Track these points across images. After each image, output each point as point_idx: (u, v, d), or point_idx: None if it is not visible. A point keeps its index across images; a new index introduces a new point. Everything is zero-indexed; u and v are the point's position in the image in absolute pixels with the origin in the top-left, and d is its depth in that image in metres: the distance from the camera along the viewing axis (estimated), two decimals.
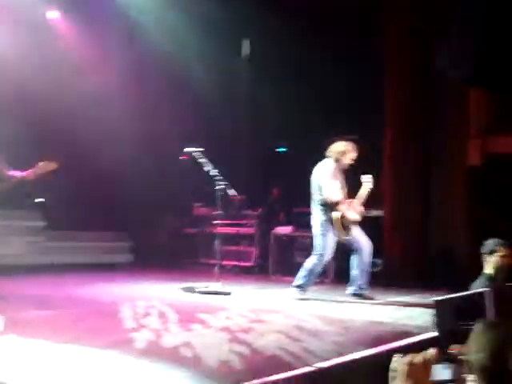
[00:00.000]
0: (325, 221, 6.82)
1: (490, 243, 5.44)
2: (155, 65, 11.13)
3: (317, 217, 6.92)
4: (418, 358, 1.45)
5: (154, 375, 3.44)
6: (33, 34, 10.01)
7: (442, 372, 1.43)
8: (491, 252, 5.36)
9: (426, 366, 1.42)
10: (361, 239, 6.93)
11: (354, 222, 6.90)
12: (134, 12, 10.75)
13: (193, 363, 3.66)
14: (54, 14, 11.21)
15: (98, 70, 10.50)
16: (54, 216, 10.09)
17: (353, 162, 7.02)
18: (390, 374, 1.49)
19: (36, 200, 7.62)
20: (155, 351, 3.98)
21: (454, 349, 1.47)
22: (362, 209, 7.01)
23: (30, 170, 6.11)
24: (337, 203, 6.78)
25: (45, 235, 10.00)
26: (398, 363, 1.49)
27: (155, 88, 11.01)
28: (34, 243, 9.83)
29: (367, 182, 7.05)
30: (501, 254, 5.30)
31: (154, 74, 11.12)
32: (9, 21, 9.70)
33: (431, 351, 1.47)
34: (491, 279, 5.18)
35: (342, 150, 6.97)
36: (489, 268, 5.33)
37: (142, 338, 4.33)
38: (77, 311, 5.72)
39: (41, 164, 6.10)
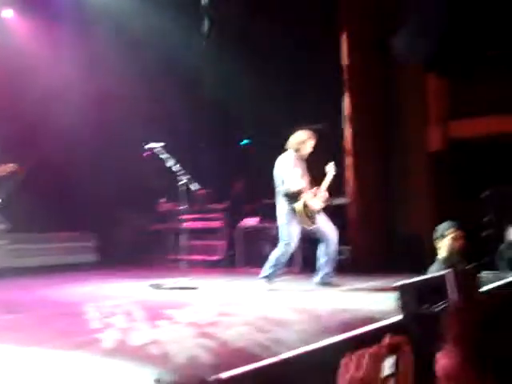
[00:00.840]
0: (289, 210, 6.85)
1: (440, 227, 5.53)
2: (113, 54, 10.94)
3: (281, 207, 6.95)
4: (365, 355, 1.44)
5: (122, 374, 3.41)
6: None
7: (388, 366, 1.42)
8: (442, 236, 5.46)
9: (376, 361, 1.41)
10: (326, 228, 6.97)
11: (319, 211, 6.94)
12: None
13: (160, 360, 3.64)
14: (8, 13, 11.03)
15: (54, 65, 10.34)
16: (16, 218, 9.91)
17: (312, 150, 7.05)
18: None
19: None
20: (122, 350, 3.94)
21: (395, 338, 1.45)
22: (326, 196, 7.05)
23: None
24: (299, 192, 6.81)
25: (7, 238, 9.82)
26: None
27: (114, 79, 10.84)
28: None
29: (330, 169, 7.11)
30: (452, 236, 5.39)
31: (113, 65, 10.93)
32: None
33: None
34: (445, 262, 5.27)
35: (302, 140, 7.00)
36: (442, 252, 5.42)
37: (108, 338, 4.28)
38: (42, 314, 5.64)
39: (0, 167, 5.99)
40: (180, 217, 8.26)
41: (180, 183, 7.52)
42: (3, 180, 6.31)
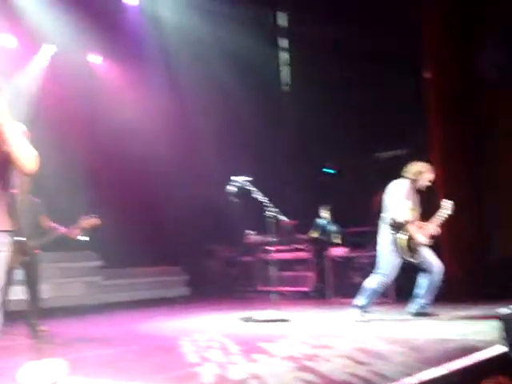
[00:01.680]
0: (391, 240, 6.67)
1: None
2: (197, 93, 11.25)
3: (383, 235, 6.77)
4: None
5: None
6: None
7: None
8: None
9: None
10: (432, 259, 6.76)
11: (423, 244, 6.73)
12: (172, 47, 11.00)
13: None
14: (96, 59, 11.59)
15: (142, 109, 10.73)
16: (109, 254, 10.24)
17: (429, 184, 6.90)
18: None
19: (81, 239, 7.78)
20: None
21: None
22: (436, 231, 6.84)
23: (73, 228, 6.22)
24: (405, 223, 6.63)
25: (102, 274, 10.15)
26: None
27: (200, 114, 11.13)
28: (91, 283, 9.99)
29: (446, 207, 6.89)
30: None
31: (198, 104, 11.24)
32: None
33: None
34: None
35: (419, 171, 6.84)
36: None
37: (206, 372, 4.29)
38: (139, 348, 5.73)
39: (83, 220, 6.23)
40: (268, 248, 8.26)
41: (267, 215, 7.54)
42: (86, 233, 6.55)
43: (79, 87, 10.70)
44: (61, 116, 10.02)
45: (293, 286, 10.17)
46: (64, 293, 9.41)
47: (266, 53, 10.98)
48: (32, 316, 5.80)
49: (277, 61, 12.19)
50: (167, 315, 8.49)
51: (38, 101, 10.14)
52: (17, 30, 10.15)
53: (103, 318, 8.40)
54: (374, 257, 6.85)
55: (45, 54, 10.88)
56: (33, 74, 10.59)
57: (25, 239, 5.70)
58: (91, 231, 6.36)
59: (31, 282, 5.98)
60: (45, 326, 5.73)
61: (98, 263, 10.18)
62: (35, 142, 3.86)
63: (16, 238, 3.74)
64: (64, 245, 8.51)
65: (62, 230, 6.20)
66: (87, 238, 6.44)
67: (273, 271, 8.14)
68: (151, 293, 10.47)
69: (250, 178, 7.70)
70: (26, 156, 3.74)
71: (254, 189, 7.60)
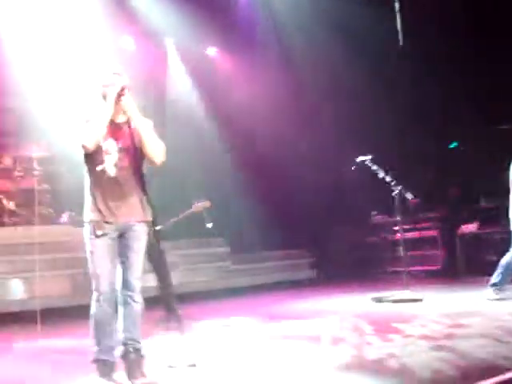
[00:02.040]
0: None
1: None
2: (312, 73, 11.20)
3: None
4: None
5: None
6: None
7: None
8: None
9: None
10: None
11: None
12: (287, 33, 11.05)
13: (401, 373, 3.58)
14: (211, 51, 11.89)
15: (260, 93, 10.88)
16: (237, 240, 10.50)
17: None
18: None
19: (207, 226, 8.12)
20: (359, 364, 3.95)
21: None
22: None
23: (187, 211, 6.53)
24: None
25: (231, 259, 10.44)
26: None
27: (319, 99, 11.11)
28: (221, 268, 10.31)
29: None
30: None
31: (314, 84, 11.19)
32: None
33: None
34: None
35: None
36: None
37: (342, 353, 4.32)
38: (273, 331, 5.82)
39: (196, 205, 6.50)
40: (394, 228, 8.11)
41: (393, 194, 7.41)
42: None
43: (200, 80, 11.06)
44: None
45: (422, 266, 9.93)
46: (194, 278, 9.77)
47: (380, 32, 10.67)
48: (169, 301, 6.10)
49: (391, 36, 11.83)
50: (296, 298, 8.58)
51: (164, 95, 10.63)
52: (134, 30, 10.62)
53: (233, 303, 8.63)
54: (508, 233, 6.55)
55: (164, 50, 11.31)
56: (155, 70, 11.03)
57: (159, 227, 6.00)
58: (208, 214, 6.65)
59: (164, 268, 6.29)
60: (181, 310, 5.99)
61: (227, 249, 10.48)
62: (167, 135, 4.07)
63: (152, 228, 3.97)
64: (194, 232, 8.92)
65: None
66: (211, 225, 6.71)
67: (401, 251, 8.00)
68: (278, 276, 10.61)
69: (372, 156, 7.58)
70: (157, 149, 3.95)
71: (377, 167, 7.48)
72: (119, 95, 3.87)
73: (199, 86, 11.29)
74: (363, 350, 4.37)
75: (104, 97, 3.94)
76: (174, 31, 10.71)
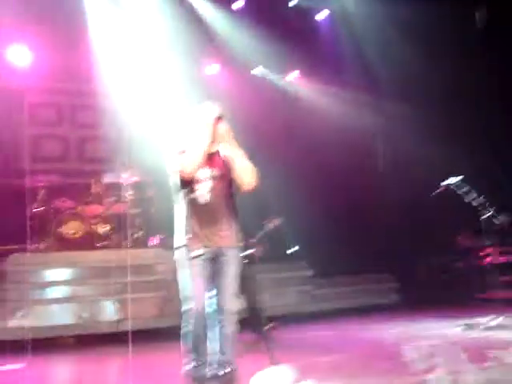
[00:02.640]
0: None
1: None
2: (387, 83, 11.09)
3: None
4: None
5: None
6: None
7: None
8: None
9: None
10: None
11: None
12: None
13: None
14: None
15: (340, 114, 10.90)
16: (319, 263, 10.45)
17: None
18: None
19: (291, 250, 8.19)
20: None
21: None
22: None
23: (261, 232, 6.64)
24: None
25: (313, 283, 10.40)
26: None
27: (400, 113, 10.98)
28: (303, 292, 10.28)
29: None
30: None
31: (396, 96, 11.05)
32: None
33: None
34: None
35: None
36: None
37: (439, 379, 4.23)
38: (361, 354, 5.79)
39: (268, 224, 6.61)
40: (483, 252, 7.87)
41: (482, 216, 7.20)
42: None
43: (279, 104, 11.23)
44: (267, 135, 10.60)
45: None
46: (278, 302, 9.78)
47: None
48: (258, 323, 6.17)
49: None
50: (380, 322, 8.44)
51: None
52: (219, 56, 10.95)
53: (317, 326, 8.59)
54: None
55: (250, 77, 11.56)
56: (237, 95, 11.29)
57: (252, 250, 6.10)
58: (277, 232, 6.75)
59: (253, 290, 6.40)
60: (271, 333, 6.04)
61: (309, 272, 10.45)
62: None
63: (244, 252, 4.07)
64: (277, 255, 8.98)
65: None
66: (297, 248, 6.77)
67: (491, 276, 7.75)
68: (360, 301, 10.45)
69: (462, 177, 7.38)
70: (250, 176, 4.05)
71: (467, 188, 7.28)
72: (216, 123, 4.00)
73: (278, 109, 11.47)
74: (460, 376, 4.26)
75: (200, 126, 4.08)
76: (258, 58, 10.96)
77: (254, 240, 6.58)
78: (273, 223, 6.77)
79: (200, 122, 4.08)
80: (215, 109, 4.07)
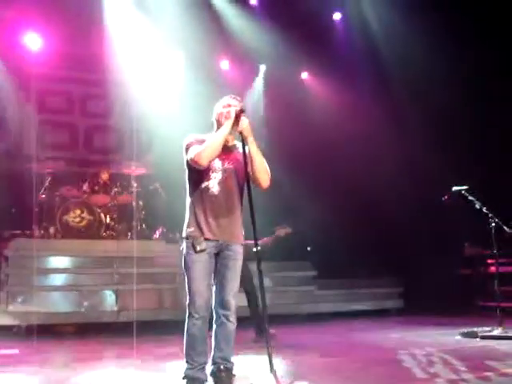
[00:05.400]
0: None
1: None
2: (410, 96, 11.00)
3: None
4: None
5: None
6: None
7: None
8: None
9: None
10: None
11: None
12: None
13: None
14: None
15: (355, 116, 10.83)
16: (323, 265, 10.43)
17: None
18: None
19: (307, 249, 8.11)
20: None
21: None
22: None
23: (268, 238, 6.64)
24: None
25: (316, 284, 10.37)
26: None
27: (414, 120, 10.91)
28: (305, 292, 10.25)
29: None
30: None
31: (411, 104, 10.98)
32: None
33: None
34: None
35: None
36: None
37: None
38: (359, 358, 5.75)
39: (279, 230, 6.60)
40: (488, 261, 7.82)
41: (488, 226, 7.15)
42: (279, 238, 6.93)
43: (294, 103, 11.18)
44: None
45: None
46: (279, 301, 9.77)
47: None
48: (260, 321, 6.14)
49: None
50: (382, 327, 8.41)
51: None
52: (230, 53, 10.92)
53: (318, 328, 8.56)
54: None
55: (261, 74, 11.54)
56: (254, 94, 11.28)
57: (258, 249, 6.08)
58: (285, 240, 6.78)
59: (254, 288, 6.39)
60: (272, 331, 6.01)
61: (313, 273, 10.42)
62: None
63: (253, 249, 4.03)
64: (284, 255, 8.97)
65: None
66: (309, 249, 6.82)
67: (494, 285, 7.68)
68: (363, 304, 10.42)
69: (468, 187, 7.35)
70: (266, 174, 4.02)
71: (473, 198, 7.24)
72: (237, 117, 3.97)
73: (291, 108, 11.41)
74: None
75: (219, 120, 4.06)
76: (267, 55, 10.91)
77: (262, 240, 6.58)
78: (284, 231, 6.79)
79: (220, 115, 4.06)
80: (237, 103, 4.06)
